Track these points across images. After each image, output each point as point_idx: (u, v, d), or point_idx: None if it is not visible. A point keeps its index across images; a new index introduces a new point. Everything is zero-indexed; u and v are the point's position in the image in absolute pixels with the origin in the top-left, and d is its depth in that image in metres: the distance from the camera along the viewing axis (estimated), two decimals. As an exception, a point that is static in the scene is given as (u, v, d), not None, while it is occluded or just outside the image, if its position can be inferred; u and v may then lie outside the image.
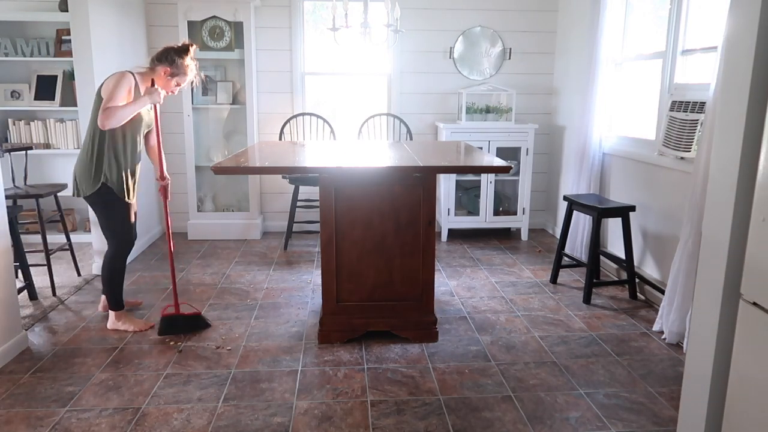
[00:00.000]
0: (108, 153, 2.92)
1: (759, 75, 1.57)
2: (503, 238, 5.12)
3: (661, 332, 3.12)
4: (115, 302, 3.11)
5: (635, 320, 3.31)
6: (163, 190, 3.18)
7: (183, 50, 2.99)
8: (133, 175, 3.06)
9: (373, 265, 2.96)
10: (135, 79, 2.93)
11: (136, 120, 2.96)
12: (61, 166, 4.85)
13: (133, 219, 3.12)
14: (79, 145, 4.49)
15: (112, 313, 3.12)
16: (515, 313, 3.40)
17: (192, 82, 3.11)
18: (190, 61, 3.01)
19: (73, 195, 3.04)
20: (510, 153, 4.96)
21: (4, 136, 4.66)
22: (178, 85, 3.03)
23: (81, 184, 2.96)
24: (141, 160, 3.12)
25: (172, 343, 2.99)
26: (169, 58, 2.96)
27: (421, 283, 2.99)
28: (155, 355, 2.85)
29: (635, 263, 3.71)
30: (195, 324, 3.13)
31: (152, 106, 3.01)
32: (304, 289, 3.79)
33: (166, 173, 3.17)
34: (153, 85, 2.96)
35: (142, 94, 2.92)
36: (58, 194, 3.93)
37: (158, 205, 5.09)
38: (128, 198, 3.02)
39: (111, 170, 2.93)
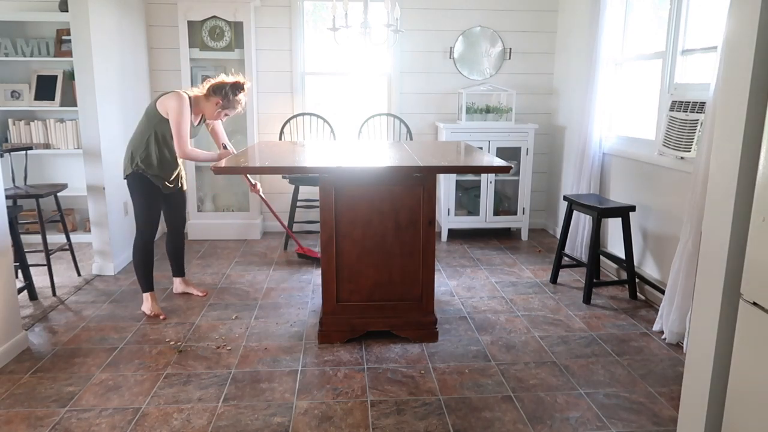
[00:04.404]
0: (149, 152, 3.23)
1: (759, 75, 1.56)
2: (503, 238, 5.12)
3: (661, 332, 3.12)
4: (141, 284, 3.39)
5: (635, 320, 3.31)
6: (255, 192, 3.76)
7: (238, 88, 3.27)
8: (170, 172, 3.36)
9: (373, 265, 2.96)
10: (191, 101, 3.25)
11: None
12: (61, 166, 4.85)
13: (158, 209, 3.38)
14: (79, 145, 4.49)
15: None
16: (515, 313, 3.40)
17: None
18: (242, 98, 3.30)
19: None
20: (510, 153, 4.96)
21: (4, 136, 4.66)
22: (226, 115, 3.33)
23: (125, 168, 3.30)
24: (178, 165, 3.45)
25: (172, 342, 2.99)
26: (224, 92, 3.24)
27: (421, 283, 2.99)
28: (155, 355, 2.85)
29: (635, 263, 3.71)
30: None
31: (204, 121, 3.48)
32: (304, 289, 3.79)
33: (251, 181, 3.73)
34: (216, 101, 3.29)
35: (192, 116, 3.27)
36: (58, 194, 3.94)
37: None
38: (163, 189, 3.35)
39: (145, 162, 3.22)
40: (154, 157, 3.25)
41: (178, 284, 3.70)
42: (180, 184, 3.50)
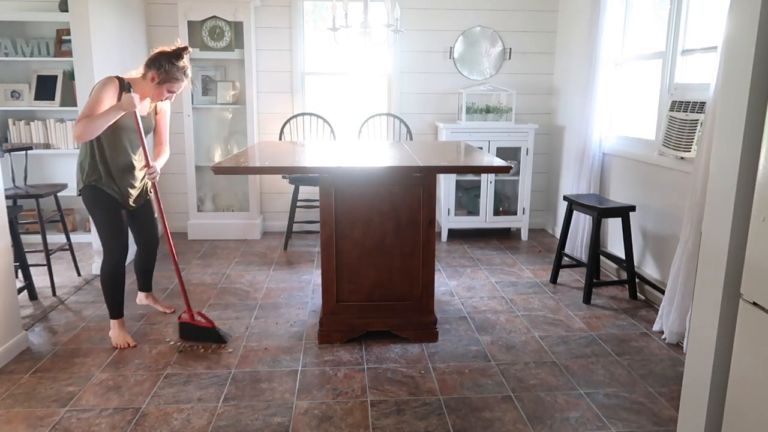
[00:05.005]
0: (93, 157, 2.79)
1: (759, 75, 1.56)
2: (503, 238, 5.12)
3: (661, 332, 3.12)
4: (110, 308, 2.95)
5: (635, 320, 3.31)
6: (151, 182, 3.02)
7: (174, 55, 2.74)
8: (125, 180, 2.88)
9: (373, 265, 2.96)
10: (123, 84, 2.74)
11: (118, 126, 2.74)
12: (61, 166, 4.85)
13: (123, 225, 2.92)
14: (79, 145, 4.48)
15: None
16: (515, 313, 3.40)
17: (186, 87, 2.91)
18: (183, 65, 2.76)
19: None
20: (510, 153, 4.96)
21: (4, 136, 4.66)
22: (170, 92, 2.81)
23: (77, 183, 2.87)
24: (138, 166, 2.93)
25: (172, 342, 2.99)
26: (159, 63, 2.72)
27: (421, 283, 2.99)
28: (155, 355, 2.85)
29: (635, 263, 3.71)
30: (209, 336, 2.97)
31: (153, 107, 2.96)
32: (304, 289, 3.79)
33: (151, 162, 2.93)
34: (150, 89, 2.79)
35: (139, 103, 2.72)
36: (58, 194, 3.93)
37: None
38: (124, 203, 2.90)
39: (95, 173, 2.79)
40: (100, 167, 2.79)
41: (142, 297, 3.34)
42: (146, 197, 3.06)
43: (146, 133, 2.91)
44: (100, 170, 2.80)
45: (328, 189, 2.87)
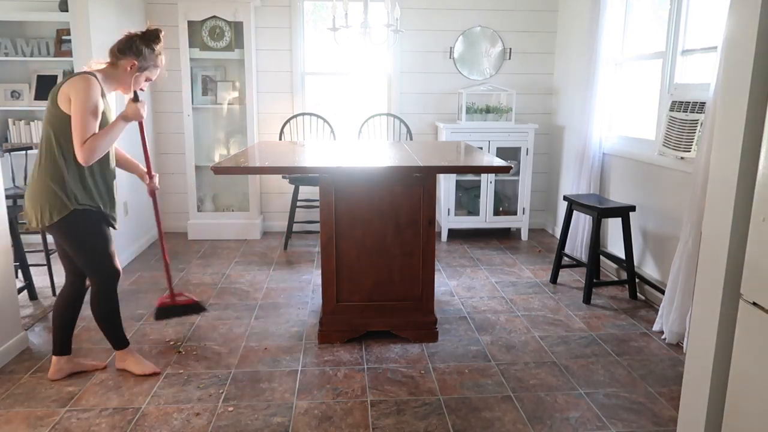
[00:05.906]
0: (77, 174, 2.36)
1: (759, 75, 1.56)
2: (503, 238, 5.12)
3: (661, 332, 3.12)
4: (117, 340, 2.64)
5: (635, 320, 3.31)
6: (152, 192, 2.75)
7: (152, 38, 2.42)
8: (113, 193, 2.53)
9: (373, 265, 2.96)
10: (99, 81, 2.36)
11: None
12: (61, 166, 4.84)
13: (112, 246, 2.53)
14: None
15: (116, 353, 2.67)
16: (515, 313, 3.40)
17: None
18: (160, 51, 2.47)
19: (33, 227, 2.39)
20: (510, 153, 4.96)
21: (4, 136, 4.66)
22: (148, 80, 2.50)
23: (43, 212, 2.33)
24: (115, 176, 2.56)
25: (172, 342, 2.99)
26: (136, 48, 2.40)
27: (421, 283, 2.99)
28: (155, 355, 2.85)
29: (635, 263, 3.71)
30: (189, 310, 3.02)
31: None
32: (304, 289, 3.79)
33: (153, 171, 2.73)
34: (132, 87, 2.45)
35: (107, 96, 2.42)
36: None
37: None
38: (114, 220, 2.54)
39: (83, 191, 2.38)
40: (89, 181, 2.38)
41: (62, 364, 2.62)
42: None
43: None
44: (91, 187, 2.39)
45: (328, 189, 2.87)
